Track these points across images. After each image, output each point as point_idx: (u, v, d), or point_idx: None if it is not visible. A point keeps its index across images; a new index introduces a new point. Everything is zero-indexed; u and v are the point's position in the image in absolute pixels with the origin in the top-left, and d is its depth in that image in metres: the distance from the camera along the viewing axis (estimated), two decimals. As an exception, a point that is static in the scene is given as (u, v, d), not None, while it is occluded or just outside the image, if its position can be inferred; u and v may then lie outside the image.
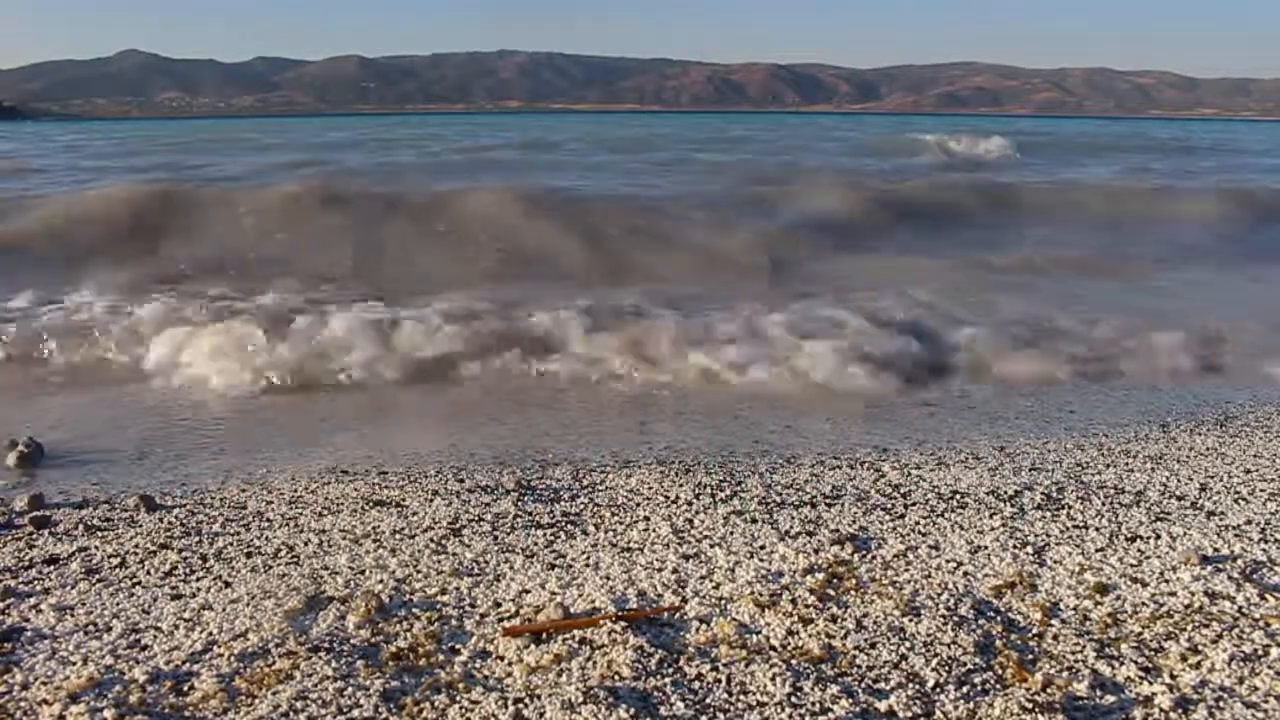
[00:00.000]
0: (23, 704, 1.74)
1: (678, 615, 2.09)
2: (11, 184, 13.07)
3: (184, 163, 17.08)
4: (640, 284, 6.80)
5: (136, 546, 2.53)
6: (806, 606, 2.10)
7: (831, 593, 2.18)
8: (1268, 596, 2.15)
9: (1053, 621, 2.05)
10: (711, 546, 2.50)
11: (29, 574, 2.36)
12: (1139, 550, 2.45)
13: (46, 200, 10.50)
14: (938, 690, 1.77)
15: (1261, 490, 2.97)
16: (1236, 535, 2.56)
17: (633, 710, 1.69)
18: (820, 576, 2.26)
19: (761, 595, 2.16)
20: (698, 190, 12.25)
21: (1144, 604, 2.13)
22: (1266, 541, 2.51)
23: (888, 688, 1.78)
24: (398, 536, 2.60)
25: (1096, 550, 2.45)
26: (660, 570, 2.34)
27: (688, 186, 12.79)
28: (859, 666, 1.85)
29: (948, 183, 13.49)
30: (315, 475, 3.21)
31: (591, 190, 12.00)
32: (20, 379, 4.65)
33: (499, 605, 2.15)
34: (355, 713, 1.70)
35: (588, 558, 2.44)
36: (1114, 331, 5.35)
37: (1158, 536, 2.55)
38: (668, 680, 1.80)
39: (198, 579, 2.31)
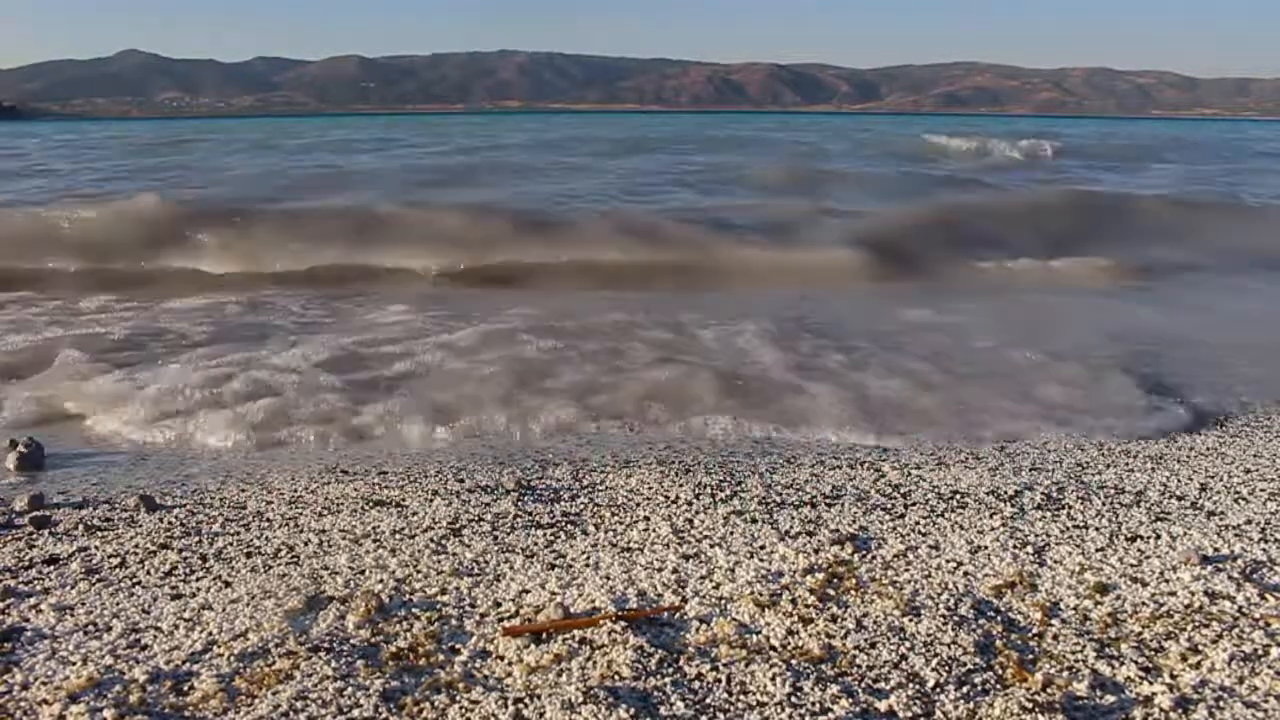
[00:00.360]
0: (23, 704, 1.74)
1: (678, 615, 2.09)
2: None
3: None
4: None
5: (136, 546, 2.53)
6: (806, 606, 2.10)
7: (831, 592, 2.18)
8: (1268, 596, 2.15)
9: (1053, 621, 2.05)
10: (711, 546, 2.50)
11: (29, 574, 2.36)
12: (1139, 550, 2.45)
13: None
14: (938, 690, 1.77)
15: (1261, 490, 2.97)
16: (1236, 535, 2.56)
17: (633, 710, 1.69)
18: (820, 576, 2.26)
19: (761, 595, 2.16)
20: (742, 204, 11.52)
21: (1144, 604, 2.13)
22: (1266, 541, 2.51)
23: (888, 688, 1.78)
24: (398, 536, 2.60)
25: (1096, 550, 2.45)
26: (660, 570, 2.34)
27: (724, 199, 12.24)
28: (859, 666, 1.85)
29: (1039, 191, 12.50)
30: (315, 475, 3.21)
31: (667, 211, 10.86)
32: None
33: (499, 605, 2.15)
34: (355, 712, 1.70)
35: (588, 557, 2.44)
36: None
37: (1158, 536, 2.55)
38: (668, 680, 1.81)
39: (198, 579, 2.31)
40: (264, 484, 3.11)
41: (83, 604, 2.17)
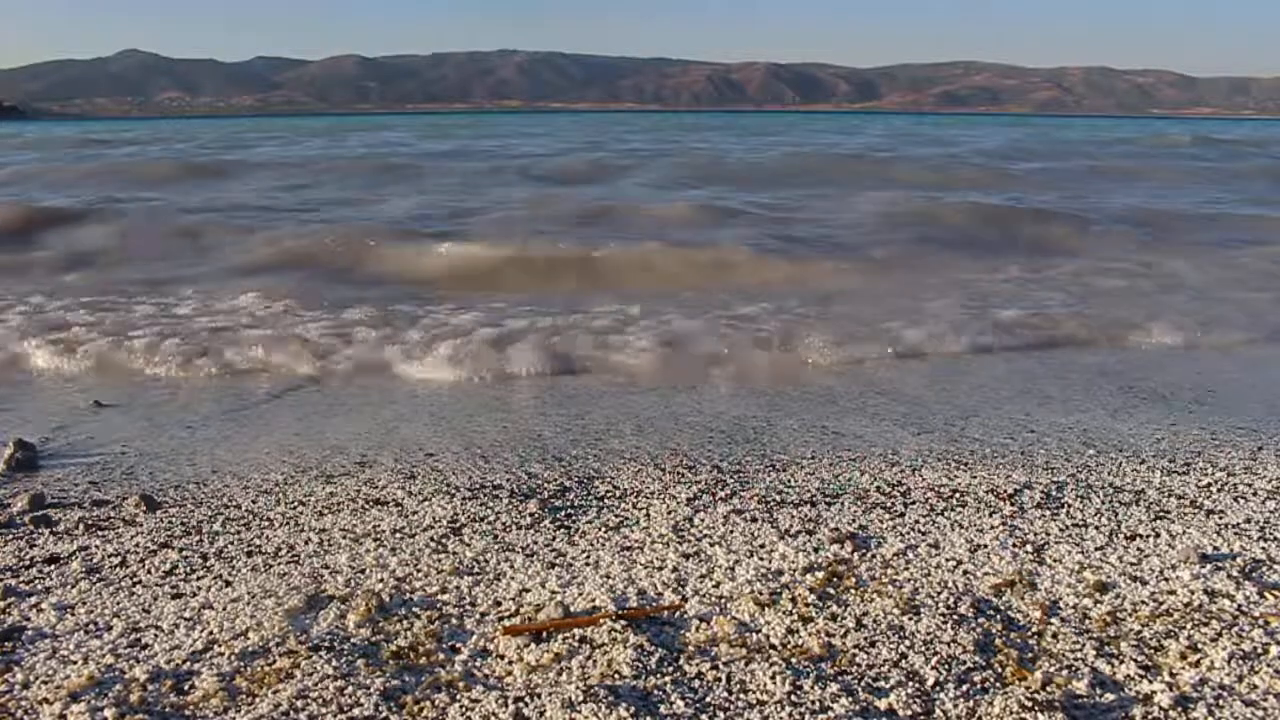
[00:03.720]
0: (23, 703, 1.74)
1: (678, 614, 2.10)
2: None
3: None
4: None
5: (137, 546, 2.53)
6: (806, 605, 2.11)
7: (831, 591, 2.19)
8: (1267, 594, 2.15)
9: (1052, 620, 2.05)
10: (711, 545, 2.50)
11: (30, 573, 2.36)
12: (1138, 548, 2.45)
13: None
14: (937, 689, 1.77)
15: (1261, 488, 2.97)
16: (1236, 533, 2.56)
17: (633, 709, 1.69)
18: (820, 575, 2.27)
19: (761, 594, 2.17)
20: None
21: (1143, 602, 2.13)
22: (1266, 539, 2.51)
23: (887, 686, 1.78)
24: (398, 535, 2.60)
25: (1096, 549, 2.45)
26: (660, 569, 2.35)
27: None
28: (859, 665, 1.85)
29: None
30: (315, 474, 3.20)
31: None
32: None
33: (499, 604, 2.15)
34: (356, 711, 1.70)
35: (588, 556, 2.44)
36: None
37: (1157, 535, 2.55)
38: (668, 679, 1.81)
39: (198, 578, 2.32)
40: (264, 483, 3.11)
41: (83, 603, 2.17)
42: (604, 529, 2.65)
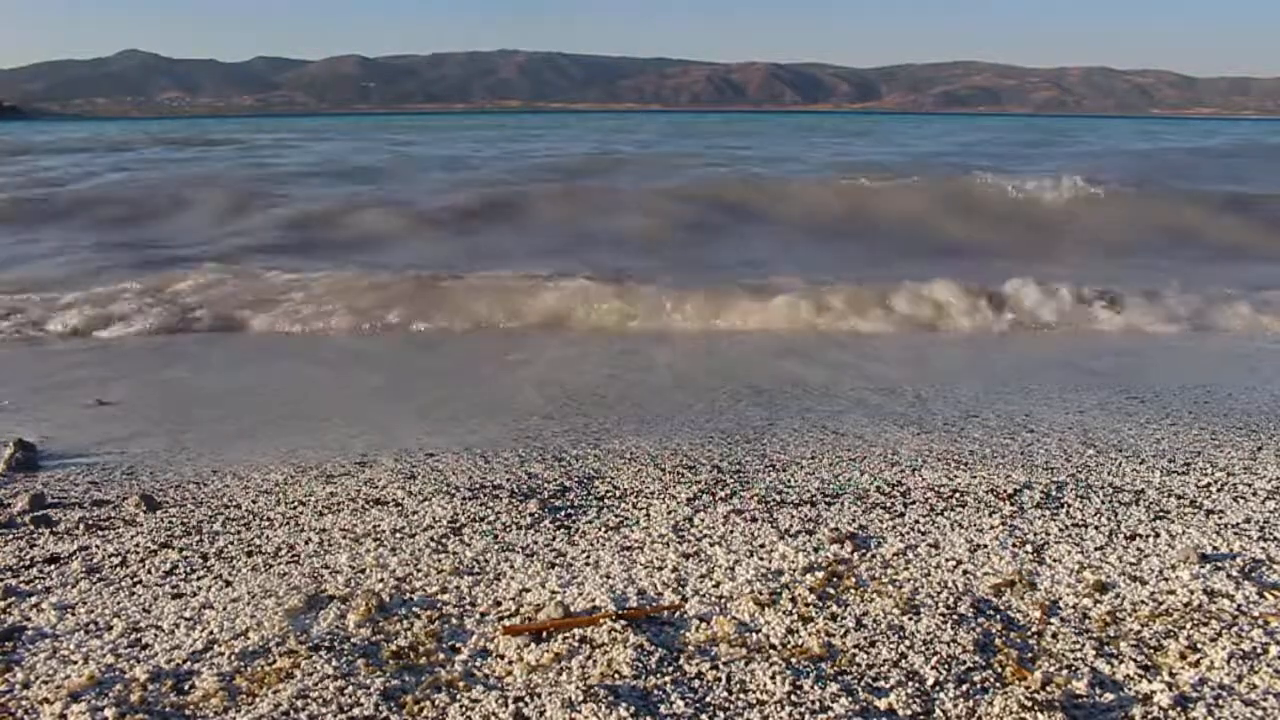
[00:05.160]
0: (24, 703, 1.74)
1: (678, 614, 2.10)
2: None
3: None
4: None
5: (137, 545, 2.54)
6: (806, 605, 2.11)
7: (831, 591, 2.19)
8: (1266, 594, 2.15)
9: (1052, 620, 2.05)
10: (711, 545, 2.50)
11: (30, 573, 2.36)
12: (1138, 548, 2.46)
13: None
14: (937, 688, 1.77)
15: (1261, 488, 2.97)
16: (1236, 533, 2.56)
17: (633, 709, 1.69)
18: (820, 575, 2.27)
19: (761, 594, 2.17)
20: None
21: (1143, 602, 2.13)
22: (1265, 539, 2.51)
23: (887, 686, 1.78)
24: (398, 535, 2.61)
25: (1096, 549, 2.46)
26: (660, 569, 2.35)
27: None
28: (859, 665, 1.86)
29: None
30: (315, 474, 3.21)
31: None
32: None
33: (499, 604, 2.16)
34: (356, 711, 1.70)
35: (588, 556, 2.44)
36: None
37: (1157, 535, 2.55)
38: (668, 679, 1.81)
39: (198, 578, 2.32)
40: (264, 483, 3.11)
41: (84, 603, 2.17)
42: (604, 529, 2.65)
